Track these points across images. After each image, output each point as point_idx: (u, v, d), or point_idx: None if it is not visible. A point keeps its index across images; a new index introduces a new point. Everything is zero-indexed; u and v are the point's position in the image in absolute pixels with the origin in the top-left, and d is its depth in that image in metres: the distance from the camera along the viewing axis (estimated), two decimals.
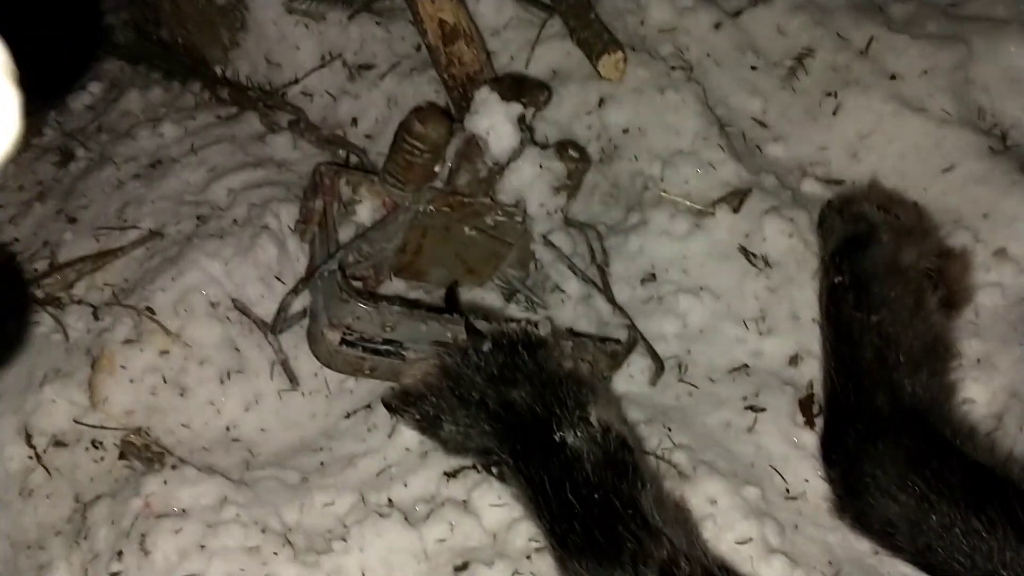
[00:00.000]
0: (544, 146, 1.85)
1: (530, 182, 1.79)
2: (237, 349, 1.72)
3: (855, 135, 1.97)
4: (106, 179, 2.07)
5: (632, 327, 1.71)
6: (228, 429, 1.69)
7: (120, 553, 1.49)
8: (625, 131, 1.99)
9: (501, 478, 1.50)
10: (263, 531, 1.50)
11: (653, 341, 1.72)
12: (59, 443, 1.66)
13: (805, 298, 1.74)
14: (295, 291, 1.63)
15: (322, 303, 1.56)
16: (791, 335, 1.73)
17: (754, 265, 1.80)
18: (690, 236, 1.85)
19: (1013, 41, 1.98)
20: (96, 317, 1.78)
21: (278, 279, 1.80)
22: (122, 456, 1.63)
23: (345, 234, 1.74)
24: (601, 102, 2.00)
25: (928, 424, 1.41)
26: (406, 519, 1.51)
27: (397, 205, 1.75)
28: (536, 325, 1.52)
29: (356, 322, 1.53)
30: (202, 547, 1.48)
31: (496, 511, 1.50)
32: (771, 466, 1.57)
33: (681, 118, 1.96)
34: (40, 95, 2.40)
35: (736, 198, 1.86)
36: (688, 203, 1.88)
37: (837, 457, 1.44)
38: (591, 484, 1.31)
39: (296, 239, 1.85)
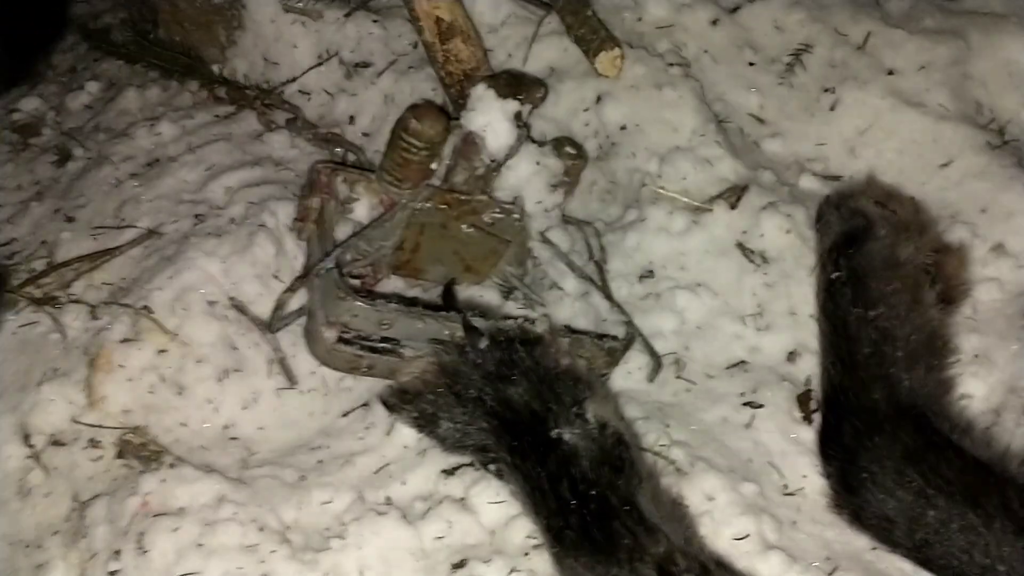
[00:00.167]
0: (541, 143, 1.85)
1: (527, 179, 1.79)
2: (235, 348, 1.72)
3: (853, 131, 1.97)
4: (104, 178, 2.07)
5: (630, 324, 1.71)
6: (226, 428, 1.68)
7: (118, 552, 1.49)
8: (623, 128, 1.98)
9: (499, 475, 1.49)
10: (261, 529, 1.50)
11: (651, 338, 1.72)
12: (57, 442, 1.66)
13: (803, 294, 1.73)
14: (291, 289, 1.63)
15: (319, 301, 1.56)
16: (789, 331, 1.73)
17: (751, 261, 1.80)
18: (688, 232, 1.84)
19: (1011, 36, 1.98)
20: (94, 316, 1.78)
21: (276, 278, 1.80)
22: (120, 455, 1.63)
23: (342, 232, 1.75)
24: (599, 99, 2.00)
25: (925, 419, 1.40)
26: (404, 517, 1.51)
27: (394, 203, 1.75)
28: (533, 322, 1.53)
29: (353, 320, 1.53)
30: (200, 546, 1.47)
31: (494, 508, 1.49)
32: (769, 462, 1.57)
33: (678, 115, 1.96)
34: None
35: (734, 194, 1.86)
36: (686, 199, 1.88)
37: (834, 452, 1.44)
38: (588, 481, 1.31)
39: (294, 238, 1.84)
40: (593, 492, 1.30)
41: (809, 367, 1.68)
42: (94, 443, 1.64)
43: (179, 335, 1.70)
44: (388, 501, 1.54)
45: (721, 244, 1.83)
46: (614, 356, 1.68)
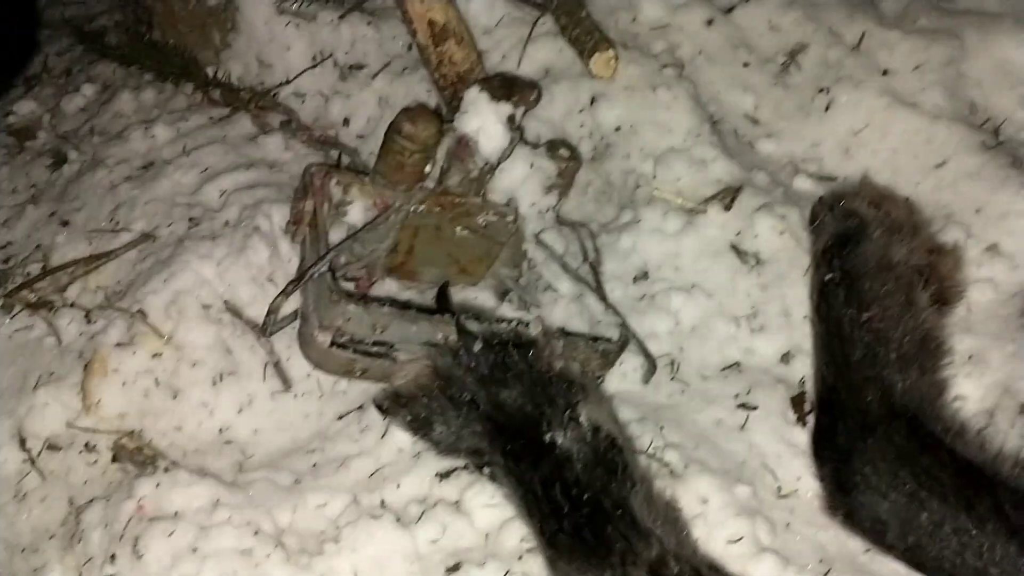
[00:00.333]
0: (535, 145, 1.85)
1: (521, 181, 1.80)
2: (229, 351, 1.72)
3: (847, 131, 1.96)
4: (99, 181, 2.07)
5: (624, 326, 1.71)
6: (221, 431, 1.69)
7: (113, 556, 1.50)
8: (617, 129, 1.98)
9: (493, 478, 1.49)
10: (256, 533, 1.50)
11: (645, 339, 1.72)
12: (53, 446, 1.66)
13: (797, 295, 1.73)
14: (285, 293, 1.63)
15: (312, 305, 1.56)
16: (783, 332, 1.73)
17: (745, 263, 1.79)
18: (682, 234, 1.84)
19: (1006, 35, 1.97)
20: (88, 320, 1.78)
21: (270, 281, 1.80)
22: (115, 459, 1.63)
23: (336, 235, 1.74)
24: (593, 100, 2.00)
25: (919, 421, 1.40)
26: (398, 520, 1.51)
27: (388, 205, 1.75)
28: (527, 325, 1.53)
29: (346, 324, 1.53)
30: (195, 550, 1.48)
31: (488, 512, 1.50)
32: (763, 464, 1.57)
33: (673, 116, 1.96)
34: None
35: (728, 195, 1.86)
36: (680, 201, 1.88)
37: (828, 454, 1.45)
38: (581, 484, 1.32)
39: (288, 240, 1.84)
40: (586, 496, 1.30)
41: (803, 368, 1.67)
42: (89, 447, 1.65)
43: (174, 339, 1.70)
44: (383, 504, 1.55)
45: (715, 245, 1.83)
46: (608, 358, 1.68)
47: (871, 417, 1.41)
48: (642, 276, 1.84)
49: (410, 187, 1.73)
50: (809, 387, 1.63)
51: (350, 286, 1.77)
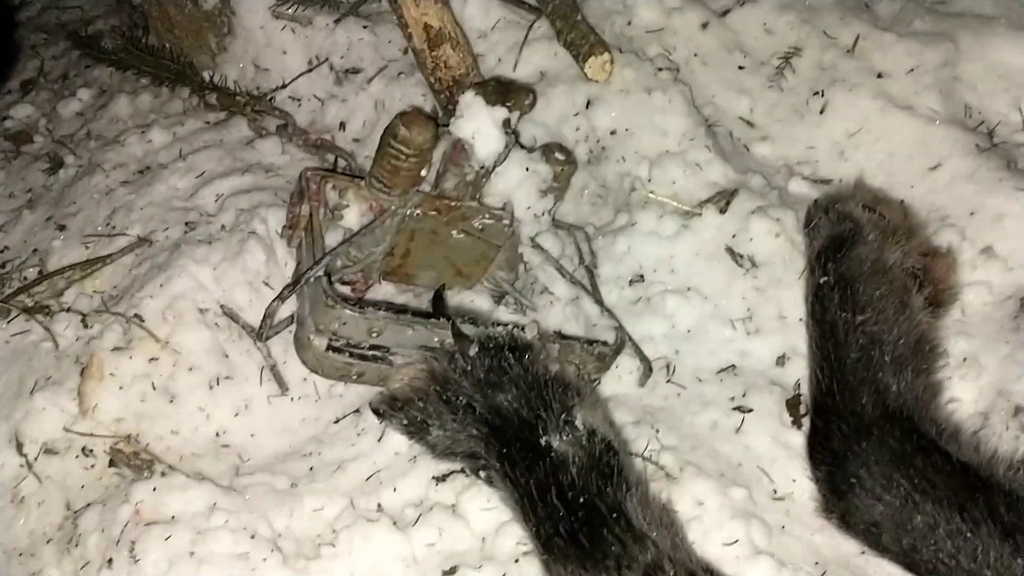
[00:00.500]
0: (531, 149, 1.85)
1: (517, 185, 1.80)
2: (226, 355, 1.73)
3: (842, 134, 1.97)
4: (95, 186, 2.08)
5: (620, 328, 1.71)
6: (218, 435, 1.69)
7: (111, 561, 1.50)
8: (613, 132, 1.99)
9: (489, 482, 1.50)
10: (252, 537, 1.50)
11: (641, 342, 1.72)
12: (50, 451, 1.67)
13: (792, 298, 1.74)
14: (281, 298, 1.63)
15: (308, 309, 1.57)
16: (778, 335, 1.73)
17: (741, 265, 1.80)
18: (678, 237, 1.85)
19: (1001, 38, 1.97)
20: (85, 325, 1.79)
21: (266, 284, 1.80)
22: (112, 463, 1.64)
23: (332, 239, 1.74)
24: (589, 104, 2.01)
25: (913, 424, 1.41)
26: (395, 524, 1.51)
27: (384, 209, 1.75)
28: (523, 328, 1.53)
29: (342, 328, 1.54)
30: (191, 554, 1.48)
31: (484, 515, 1.50)
32: (758, 467, 1.57)
33: (668, 119, 1.96)
34: None
35: (723, 198, 1.86)
36: (675, 204, 1.88)
37: (823, 457, 1.45)
38: (576, 488, 1.32)
39: (284, 244, 1.85)
40: (582, 499, 1.31)
41: (798, 371, 1.68)
42: (86, 452, 1.66)
43: (170, 343, 1.71)
44: (379, 508, 1.55)
45: (711, 248, 1.83)
46: (604, 361, 1.68)
47: (866, 420, 1.42)
48: (638, 279, 1.84)
49: (406, 191, 1.74)
50: (805, 390, 1.64)
51: (346, 290, 1.77)
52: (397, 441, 1.60)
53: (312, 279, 1.58)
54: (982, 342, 1.65)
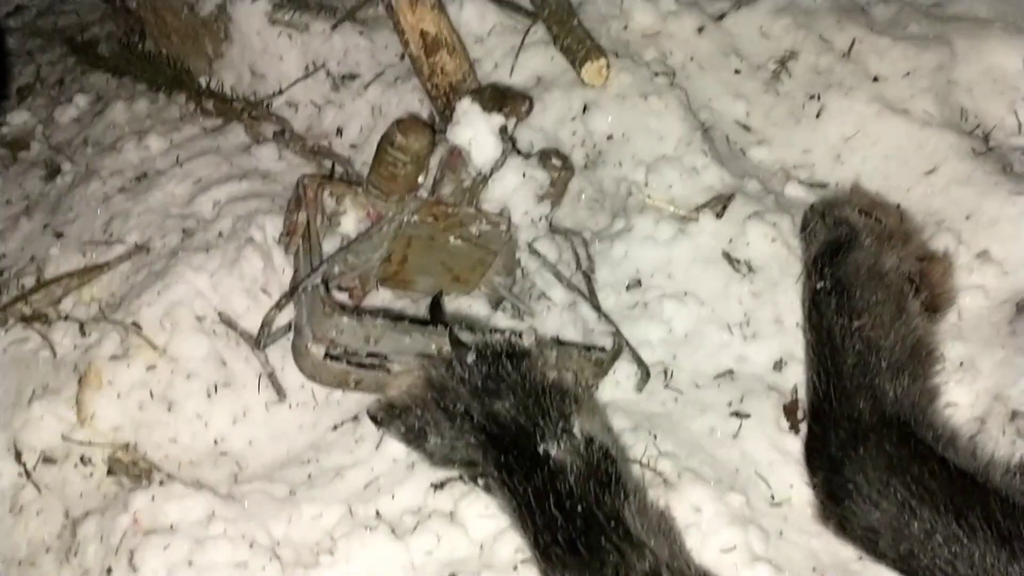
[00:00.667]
0: (528, 155, 1.85)
1: (514, 191, 1.80)
2: (224, 362, 1.72)
3: (838, 138, 1.97)
4: (92, 193, 2.08)
5: (617, 334, 1.71)
6: (216, 443, 1.69)
7: (110, 570, 1.50)
8: (609, 137, 1.99)
9: (487, 489, 1.50)
10: (251, 545, 1.50)
11: (638, 347, 1.73)
12: (48, 459, 1.67)
13: (789, 302, 1.74)
14: (278, 306, 1.63)
15: (306, 317, 1.57)
16: (775, 340, 1.74)
17: (738, 270, 1.80)
18: (674, 241, 1.85)
19: (996, 41, 1.97)
20: (83, 333, 1.78)
21: (264, 291, 1.80)
22: (110, 472, 1.64)
23: (330, 246, 1.75)
24: (585, 108, 2.01)
25: (910, 429, 1.41)
26: (393, 531, 1.51)
27: (381, 216, 1.76)
28: (520, 335, 1.53)
29: (340, 336, 1.54)
30: (190, 563, 1.48)
31: (483, 522, 1.50)
32: (756, 472, 1.57)
33: (664, 124, 1.97)
34: None
35: (719, 203, 1.86)
36: (672, 208, 1.89)
37: (820, 463, 1.45)
38: (574, 496, 1.32)
39: (282, 251, 1.85)
40: (580, 508, 1.31)
41: (796, 376, 1.68)
42: (85, 460, 1.65)
43: (168, 351, 1.71)
44: (378, 515, 1.55)
45: (707, 253, 1.83)
46: (602, 367, 1.68)
47: (863, 425, 1.42)
48: (635, 284, 1.84)
49: (403, 197, 1.74)
50: (802, 395, 1.64)
51: (344, 296, 1.78)
52: (395, 448, 1.60)
53: (310, 287, 1.58)
54: (978, 346, 1.65)
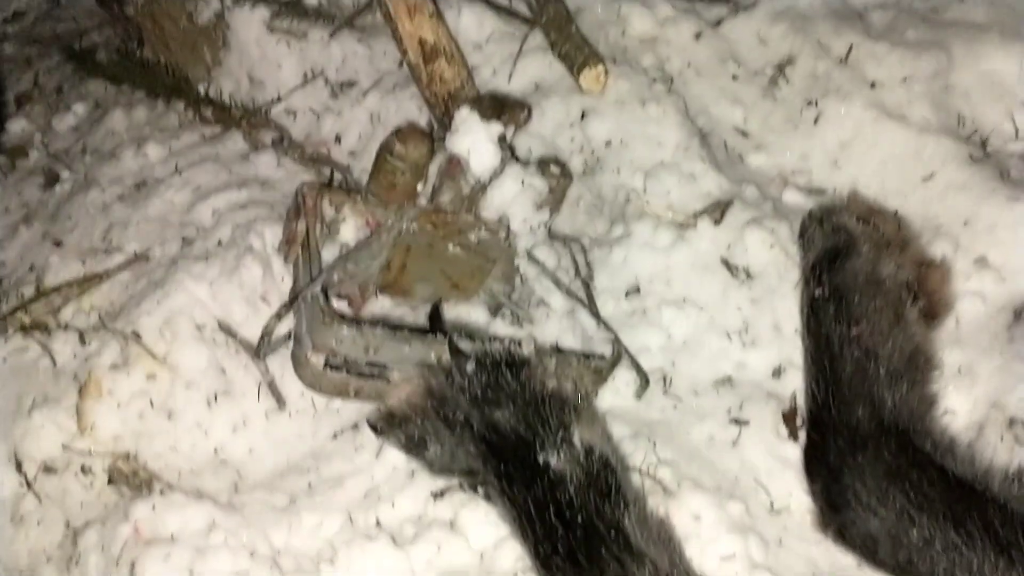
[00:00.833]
0: (526, 162, 1.86)
1: (512, 199, 1.81)
2: (223, 371, 1.72)
3: (836, 143, 1.98)
4: (91, 201, 2.08)
5: (616, 341, 1.71)
6: (216, 451, 1.69)
7: None
8: (607, 143, 2.00)
9: (488, 498, 1.50)
10: (252, 555, 1.51)
11: (637, 354, 1.73)
12: (49, 469, 1.67)
13: (787, 309, 1.74)
14: (278, 316, 1.64)
15: (305, 327, 1.57)
16: (774, 346, 1.74)
17: (736, 277, 1.81)
18: (673, 248, 1.85)
19: (993, 46, 1.97)
20: (83, 342, 1.78)
21: (263, 300, 1.80)
22: (111, 481, 1.64)
23: (329, 254, 1.75)
24: (583, 115, 2.01)
25: (908, 437, 1.42)
26: (393, 540, 1.51)
27: (380, 224, 1.76)
28: (520, 343, 1.54)
29: (339, 346, 1.54)
30: (191, 573, 1.48)
31: (483, 531, 1.50)
32: (755, 480, 1.58)
33: (662, 130, 1.97)
34: None
35: (718, 209, 1.87)
36: (670, 215, 1.89)
37: (819, 471, 1.46)
38: (574, 506, 1.32)
39: (281, 259, 1.85)
40: (580, 518, 1.31)
41: (795, 383, 1.68)
42: (85, 470, 1.65)
43: (168, 360, 1.71)
44: (378, 524, 1.55)
45: (706, 259, 1.84)
46: (601, 375, 1.69)
47: (861, 433, 1.43)
48: (634, 290, 1.84)
49: (402, 205, 1.74)
50: (801, 402, 1.64)
51: (343, 304, 1.78)
52: (395, 456, 1.60)
53: (310, 297, 1.59)
54: (976, 353, 1.65)
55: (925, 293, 1.62)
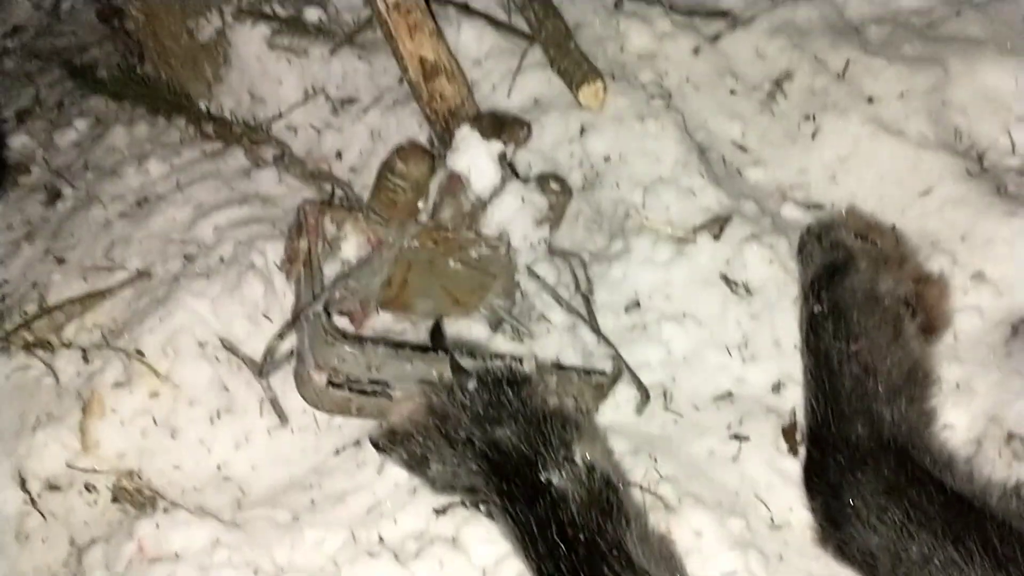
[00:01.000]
0: (526, 178, 1.87)
1: (513, 215, 1.82)
2: (226, 388, 1.74)
3: (834, 158, 1.98)
4: (93, 218, 2.09)
5: (617, 357, 1.72)
6: (219, 468, 1.70)
7: None
8: (606, 159, 2.00)
9: (489, 515, 1.51)
10: (255, 572, 1.52)
11: (638, 369, 1.73)
12: (53, 487, 1.68)
13: (787, 324, 1.75)
14: (280, 335, 1.65)
15: (308, 345, 1.58)
16: (773, 362, 1.75)
17: (735, 292, 1.81)
18: (672, 263, 1.86)
19: (990, 62, 1.98)
20: (86, 360, 1.80)
21: (265, 317, 1.82)
22: (115, 499, 1.65)
23: (330, 271, 1.76)
24: (582, 130, 2.02)
25: (907, 453, 1.42)
26: (396, 557, 1.52)
27: (382, 241, 1.77)
28: (521, 360, 1.54)
29: (342, 364, 1.55)
30: None
31: (485, 548, 1.51)
32: (756, 495, 1.58)
33: (661, 145, 1.98)
34: None
35: (717, 224, 1.87)
36: (670, 230, 1.90)
37: (818, 487, 1.46)
38: (576, 525, 1.33)
39: (283, 276, 1.86)
40: (582, 536, 1.32)
41: (794, 398, 1.69)
42: (89, 488, 1.67)
43: (171, 378, 1.72)
44: (380, 540, 1.56)
45: (705, 275, 1.84)
46: (602, 391, 1.70)
47: (860, 450, 1.43)
48: (633, 306, 1.85)
49: (403, 222, 1.75)
50: (801, 417, 1.65)
51: (345, 320, 1.79)
52: (397, 472, 1.61)
53: (312, 315, 1.59)
54: (974, 368, 1.66)
55: (923, 308, 1.62)
